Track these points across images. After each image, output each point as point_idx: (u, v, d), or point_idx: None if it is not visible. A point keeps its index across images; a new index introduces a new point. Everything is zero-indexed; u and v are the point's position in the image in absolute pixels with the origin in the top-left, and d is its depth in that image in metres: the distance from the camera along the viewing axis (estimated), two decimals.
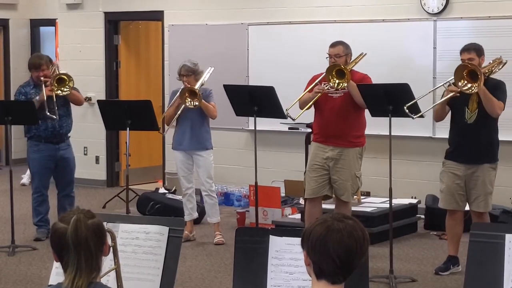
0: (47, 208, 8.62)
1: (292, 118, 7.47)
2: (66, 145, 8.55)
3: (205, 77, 8.35)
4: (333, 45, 7.43)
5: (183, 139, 8.41)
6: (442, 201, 7.23)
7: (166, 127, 8.59)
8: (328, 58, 7.37)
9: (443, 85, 7.10)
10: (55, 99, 8.15)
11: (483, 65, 7.00)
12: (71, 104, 8.54)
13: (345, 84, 7.14)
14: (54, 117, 8.19)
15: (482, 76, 6.64)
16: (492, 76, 7.07)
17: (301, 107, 7.42)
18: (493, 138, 7.09)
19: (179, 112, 8.27)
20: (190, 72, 8.29)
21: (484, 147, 7.04)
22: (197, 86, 8.17)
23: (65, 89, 8.16)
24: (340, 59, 7.29)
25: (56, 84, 8.12)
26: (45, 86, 8.19)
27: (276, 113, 7.86)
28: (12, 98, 13.18)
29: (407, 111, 6.84)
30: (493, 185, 7.10)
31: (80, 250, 2.94)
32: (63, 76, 8.23)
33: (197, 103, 8.05)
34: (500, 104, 6.91)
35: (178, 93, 8.23)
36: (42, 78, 8.25)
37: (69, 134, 8.59)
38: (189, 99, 8.07)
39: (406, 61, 9.52)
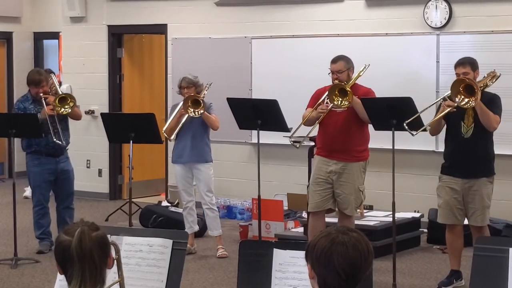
0: (49, 221, 8.62)
1: (296, 143, 7.59)
2: (65, 157, 8.59)
3: (204, 91, 8.34)
4: (334, 61, 7.41)
5: (183, 152, 8.39)
6: (440, 216, 7.20)
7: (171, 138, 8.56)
8: (330, 74, 7.38)
9: (440, 99, 7.08)
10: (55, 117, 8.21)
11: (478, 79, 7.01)
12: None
13: (349, 102, 7.14)
14: (61, 143, 8.26)
15: (479, 90, 6.64)
16: (487, 89, 7.06)
17: (306, 125, 7.43)
18: (489, 151, 7.08)
19: (182, 122, 8.25)
20: (191, 84, 8.30)
21: (481, 161, 7.03)
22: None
23: (66, 108, 8.20)
24: (342, 75, 7.29)
25: (58, 104, 8.16)
26: (46, 105, 8.23)
27: (280, 127, 7.88)
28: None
29: (406, 127, 6.84)
30: (491, 199, 7.08)
31: (85, 262, 2.95)
32: (64, 96, 8.29)
33: (202, 111, 8.04)
34: (496, 118, 6.91)
35: (181, 103, 8.23)
36: (41, 94, 8.29)
37: (67, 147, 8.63)
38: (192, 109, 8.08)
39: (409, 75, 9.52)
